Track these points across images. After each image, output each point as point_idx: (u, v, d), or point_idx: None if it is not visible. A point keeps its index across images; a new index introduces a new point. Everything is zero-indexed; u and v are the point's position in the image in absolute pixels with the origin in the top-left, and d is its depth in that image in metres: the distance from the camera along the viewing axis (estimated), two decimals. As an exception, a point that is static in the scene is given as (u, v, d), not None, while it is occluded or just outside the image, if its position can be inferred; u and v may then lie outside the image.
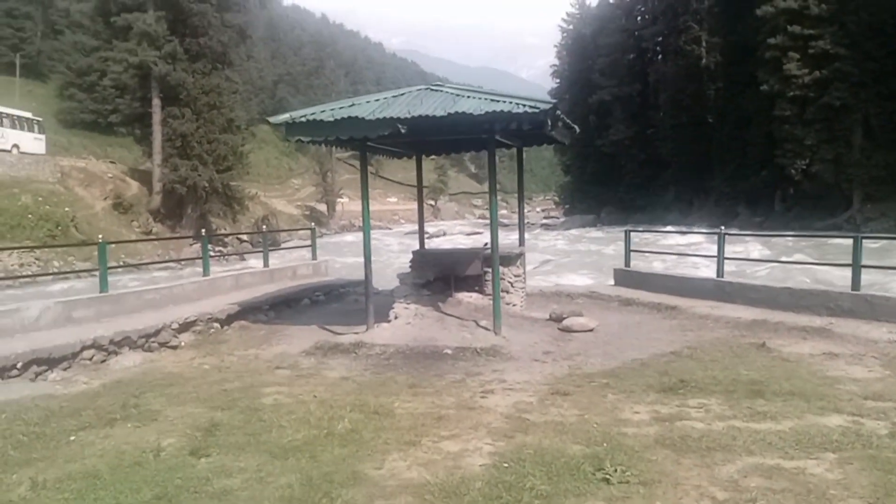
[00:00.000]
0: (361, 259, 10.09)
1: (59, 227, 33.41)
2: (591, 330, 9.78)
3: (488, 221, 9.77)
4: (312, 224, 21.17)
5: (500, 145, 11.08)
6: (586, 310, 11.03)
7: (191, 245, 41.92)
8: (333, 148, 75.94)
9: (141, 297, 10.27)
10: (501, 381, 7.30)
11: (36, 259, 30.61)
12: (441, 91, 9.32)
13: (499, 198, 9.70)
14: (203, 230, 30.20)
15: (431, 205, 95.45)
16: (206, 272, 12.09)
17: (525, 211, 13.61)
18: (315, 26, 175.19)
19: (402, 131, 8.39)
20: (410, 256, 11.43)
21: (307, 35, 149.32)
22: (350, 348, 8.93)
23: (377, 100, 9.27)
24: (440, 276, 11.10)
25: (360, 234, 9.28)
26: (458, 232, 59.92)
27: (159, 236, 41.62)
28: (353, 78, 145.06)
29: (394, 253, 37.08)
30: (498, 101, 8.39)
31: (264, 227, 46.94)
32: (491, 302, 9.64)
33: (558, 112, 8.90)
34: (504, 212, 68.24)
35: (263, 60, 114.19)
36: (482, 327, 9.55)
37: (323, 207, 76.77)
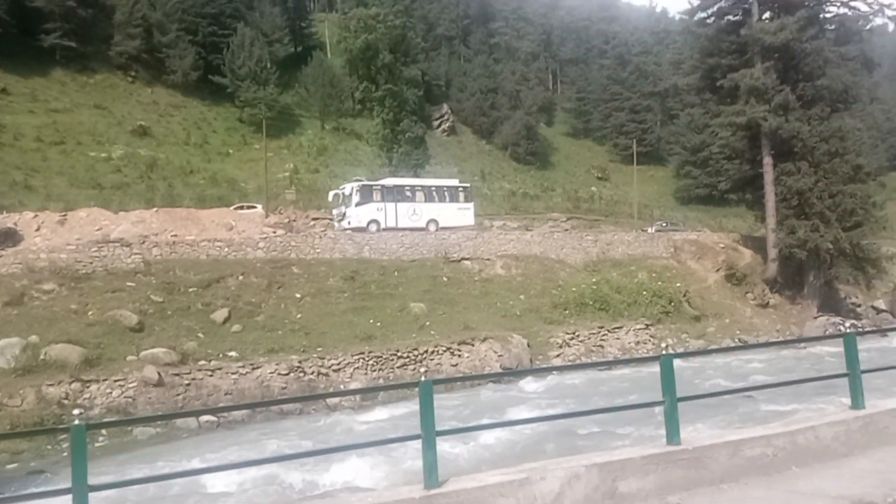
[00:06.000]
0: None
1: (672, 303, 32.33)
2: None
3: None
4: None
5: None
6: None
7: (814, 318, 35.60)
8: None
9: (738, 453, 5.86)
10: None
11: (651, 337, 29.94)
12: None
13: None
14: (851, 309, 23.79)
15: None
16: (856, 403, 6.71)
17: None
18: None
19: None
20: None
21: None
22: None
23: None
24: None
25: None
26: None
27: (777, 309, 36.84)
28: None
29: None
30: None
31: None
32: None
33: None
34: None
35: (892, 101, 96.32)
36: None
37: None
